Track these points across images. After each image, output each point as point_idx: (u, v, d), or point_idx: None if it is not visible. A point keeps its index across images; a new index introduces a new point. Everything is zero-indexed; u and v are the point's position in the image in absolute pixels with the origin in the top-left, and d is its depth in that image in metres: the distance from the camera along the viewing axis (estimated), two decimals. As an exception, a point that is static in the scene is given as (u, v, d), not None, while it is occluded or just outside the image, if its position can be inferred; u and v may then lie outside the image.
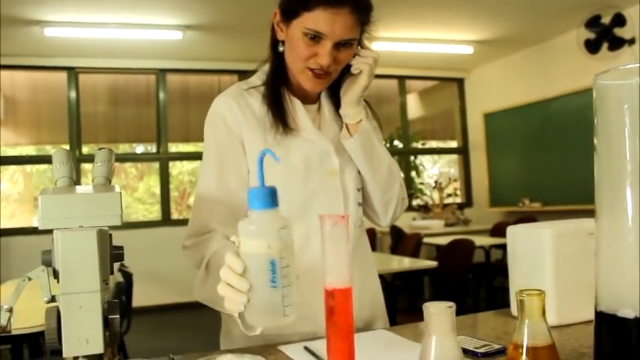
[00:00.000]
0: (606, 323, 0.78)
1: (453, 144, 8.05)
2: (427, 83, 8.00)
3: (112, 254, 0.83)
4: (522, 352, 0.72)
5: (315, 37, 1.09)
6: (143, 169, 7.89)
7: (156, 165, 6.77)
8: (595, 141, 0.80)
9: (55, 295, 0.78)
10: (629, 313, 0.74)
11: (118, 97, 6.57)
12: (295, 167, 1.16)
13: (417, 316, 1.34)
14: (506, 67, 6.98)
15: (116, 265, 0.83)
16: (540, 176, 6.27)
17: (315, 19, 1.07)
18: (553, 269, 1.08)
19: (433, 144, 8.21)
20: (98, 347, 0.74)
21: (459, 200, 7.70)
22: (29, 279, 0.79)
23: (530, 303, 0.73)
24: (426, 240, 5.39)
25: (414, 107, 8.02)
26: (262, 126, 1.17)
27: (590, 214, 1.28)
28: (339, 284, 0.62)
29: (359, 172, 1.24)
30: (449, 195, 7.58)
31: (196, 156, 7.09)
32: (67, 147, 6.22)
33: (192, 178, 7.51)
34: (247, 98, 1.19)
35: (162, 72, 6.49)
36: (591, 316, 1.04)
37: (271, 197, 0.74)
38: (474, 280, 5.13)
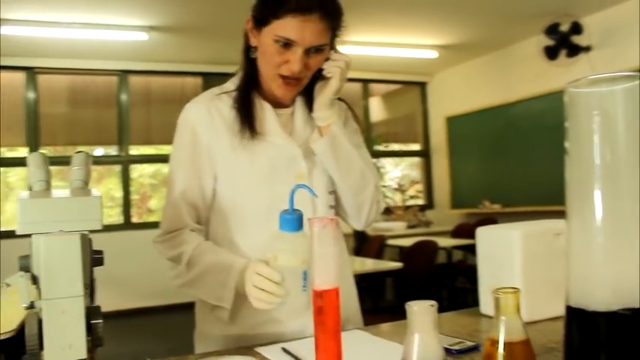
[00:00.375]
0: (576, 318, 0.81)
1: (416, 147, 8.17)
2: (390, 87, 8.09)
3: (92, 259, 0.83)
4: (499, 348, 0.74)
5: (286, 44, 1.11)
6: (102, 172, 7.73)
7: (116, 168, 6.65)
8: (566, 145, 0.84)
9: (34, 300, 0.78)
10: (597, 308, 0.78)
11: (77, 98, 6.43)
12: (261, 171, 1.18)
13: (382, 316, 1.37)
14: (468, 72, 7.12)
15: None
16: (500, 179, 6.42)
17: (285, 26, 1.09)
18: (522, 268, 1.12)
19: (396, 147, 8.30)
20: (81, 353, 0.73)
21: (420, 202, 7.81)
22: (7, 285, 0.78)
23: (506, 300, 0.75)
24: (389, 242, 5.46)
25: (377, 110, 8.10)
26: (231, 131, 1.19)
27: (550, 215, 1.33)
28: (328, 285, 0.64)
29: (330, 176, 1.25)
30: (411, 197, 7.69)
31: (158, 159, 7.01)
32: (26, 149, 6.07)
33: (154, 181, 7.40)
34: (217, 103, 1.21)
35: (124, 73, 6.39)
36: (558, 312, 1.08)
37: (301, 221, 0.94)
38: (436, 280, 5.22)
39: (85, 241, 0.78)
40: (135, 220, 6.66)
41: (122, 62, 6.27)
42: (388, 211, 7.14)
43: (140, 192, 7.16)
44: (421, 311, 0.68)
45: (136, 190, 7.01)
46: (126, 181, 6.50)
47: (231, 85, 1.25)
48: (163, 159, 7.08)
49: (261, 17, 1.13)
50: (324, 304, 0.64)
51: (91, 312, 0.76)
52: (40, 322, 0.73)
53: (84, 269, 0.75)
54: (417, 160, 8.25)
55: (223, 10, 4.91)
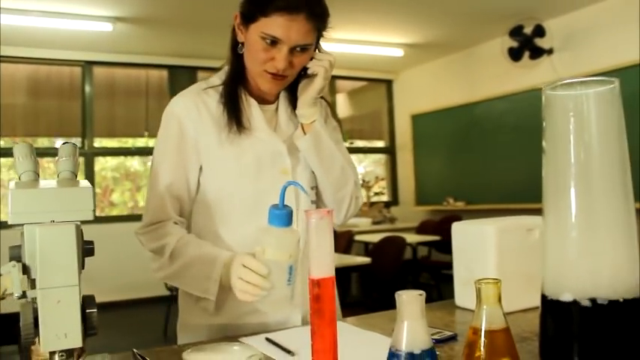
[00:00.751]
0: (551, 307, 0.86)
1: (380, 144, 8.26)
2: (356, 84, 8.16)
3: (83, 249, 0.83)
4: (481, 335, 0.78)
5: (272, 42, 1.13)
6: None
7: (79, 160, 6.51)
8: (543, 144, 0.89)
9: (25, 290, 0.78)
10: (571, 297, 0.83)
11: (39, 88, 6.28)
12: (247, 166, 1.20)
13: (349, 310, 1.40)
14: (433, 71, 7.24)
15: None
16: (464, 176, 6.56)
17: (272, 24, 1.11)
18: (496, 262, 1.17)
19: (360, 144, 8.38)
20: (77, 341, 0.74)
21: (385, 199, 7.91)
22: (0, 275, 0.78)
23: (487, 291, 0.79)
24: (355, 237, 5.51)
25: (343, 107, 8.16)
26: (218, 125, 1.20)
27: (512, 212, 1.39)
28: (324, 274, 0.67)
29: (313, 172, 1.28)
30: (376, 194, 7.78)
31: (121, 152, 6.90)
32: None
33: (117, 174, 7.29)
34: (204, 97, 1.22)
35: (88, 64, 6.26)
36: (531, 304, 1.15)
37: (291, 217, 0.94)
38: (401, 276, 5.30)
39: (79, 231, 0.79)
40: (97, 213, 6.54)
41: (86, 53, 6.15)
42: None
43: (102, 185, 7.04)
44: (410, 300, 0.72)
45: (98, 184, 6.88)
46: (90, 174, 6.38)
47: (218, 79, 1.26)
48: (127, 152, 6.98)
49: (249, 14, 1.14)
50: (320, 292, 0.67)
51: (86, 301, 0.77)
52: (35, 311, 0.74)
53: (77, 259, 0.76)
54: (381, 156, 8.34)
55: (190, 3, 4.87)
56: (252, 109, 1.24)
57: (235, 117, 1.20)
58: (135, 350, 1.01)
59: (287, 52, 1.13)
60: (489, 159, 6.15)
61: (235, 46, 1.22)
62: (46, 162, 7.21)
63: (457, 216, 6.10)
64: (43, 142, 6.66)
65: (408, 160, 7.48)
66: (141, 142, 6.91)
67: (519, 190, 5.58)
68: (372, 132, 8.44)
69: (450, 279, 1.31)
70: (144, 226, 1.21)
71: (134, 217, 6.21)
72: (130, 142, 6.99)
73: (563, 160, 0.85)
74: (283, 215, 0.93)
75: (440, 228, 6.11)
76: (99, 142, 6.58)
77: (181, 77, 6.73)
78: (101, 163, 6.98)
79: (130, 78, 6.74)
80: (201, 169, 1.22)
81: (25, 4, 4.68)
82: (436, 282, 5.76)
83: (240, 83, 1.23)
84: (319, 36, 1.20)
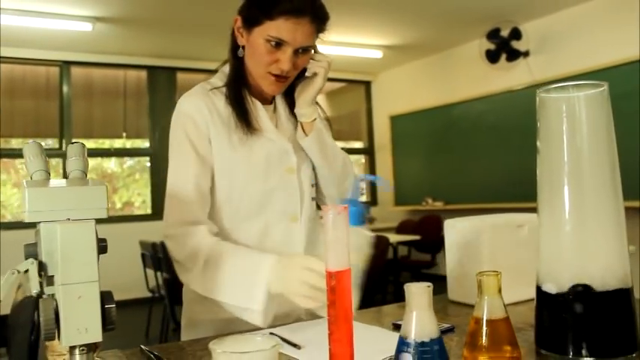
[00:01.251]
0: (546, 298, 0.91)
1: (359, 145, 8.32)
2: (335, 85, 8.20)
3: (98, 246, 0.85)
4: (483, 325, 0.83)
5: (277, 44, 1.16)
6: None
7: (53, 161, 6.44)
8: (538, 144, 0.93)
9: (42, 287, 0.80)
10: (565, 288, 0.88)
11: (15, 88, 6.19)
12: (257, 166, 1.23)
13: None
14: (412, 72, 7.33)
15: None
16: (443, 176, 6.65)
17: (278, 27, 1.14)
18: (489, 257, 1.22)
19: (339, 144, 8.37)
20: (97, 336, 0.76)
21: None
22: (18, 272, 0.80)
23: (488, 282, 0.84)
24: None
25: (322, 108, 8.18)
26: (227, 126, 1.23)
27: (490, 212, 1.44)
28: (341, 266, 0.70)
29: (313, 169, 1.32)
30: (355, 194, 7.82)
31: (99, 153, 6.83)
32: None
33: (93, 176, 7.21)
34: (212, 98, 1.24)
35: (66, 64, 6.20)
36: (522, 297, 1.20)
37: (363, 216, 0.92)
38: (382, 276, 5.36)
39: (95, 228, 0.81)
40: (75, 215, 6.46)
41: (64, 53, 6.08)
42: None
43: (79, 187, 6.96)
44: (418, 291, 0.76)
45: (76, 185, 6.79)
46: (66, 176, 6.30)
47: (219, 81, 1.28)
48: (105, 153, 6.92)
49: (253, 17, 1.17)
50: (336, 284, 0.70)
51: (104, 297, 0.79)
52: (55, 306, 0.76)
53: (97, 255, 0.78)
54: (360, 157, 8.40)
55: (171, 4, 4.87)
56: (257, 110, 1.27)
57: (245, 119, 1.23)
58: (143, 347, 1.03)
59: (291, 53, 1.17)
60: (467, 159, 6.25)
61: (235, 49, 1.25)
62: (18, 163, 7.12)
63: (436, 216, 6.18)
64: (18, 143, 6.56)
65: (387, 160, 7.55)
66: (118, 144, 6.86)
67: (497, 189, 5.69)
68: (350, 133, 8.49)
69: (430, 278, 1.35)
70: (171, 226, 1.19)
71: (111, 219, 6.15)
72: (107, 144, 6.94)
73: (556, 159, 0.90)
74: (354, 213, 0.89)
75: (419, 228, 6.20)
76: (76, 143, 6.50)
77: (160, 78, 6.71)
78: (79, 165, 6.90)
79: (108, 78, 6.68)
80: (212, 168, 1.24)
81: (3, 2, 4.62)
82: (416, 281, 5.81)
83: (242, 85, 1.26)
84: (317, 38, 1.24)
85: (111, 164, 7.16)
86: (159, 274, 4.53)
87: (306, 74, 1.26)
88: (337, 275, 0.70)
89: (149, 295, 4.81)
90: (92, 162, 7.02)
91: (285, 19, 1.14)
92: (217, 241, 1.16)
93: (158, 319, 4.72)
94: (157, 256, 4.36)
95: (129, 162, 7.29)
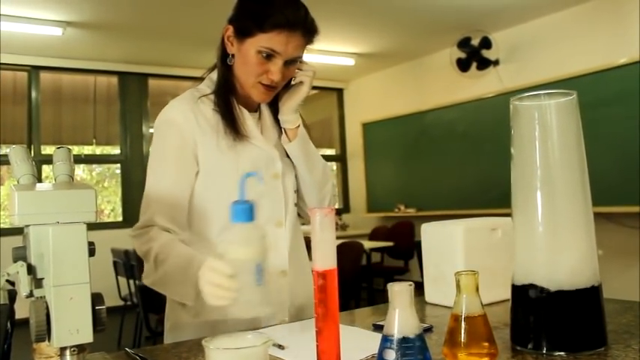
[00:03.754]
0: (521, 296, 0.96)
1: (331, 152, 8.36)
2: (307, 92, 8.22)
3: (88, 249, 0.86)
4: (461, 322, 0.87)
5: (269, 56, 1.19)
6: (2, 174, 7.31)
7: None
8: (512, 150, 0.98)
9: (32, 289, 0.81)
10: (538, 287, 0.93)
11: (-19, 93, 6.06)
12: (244, 171, 1.25)
13: None
14: (384, 80, 7.41)
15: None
16: (415, 183, 6.72)
17: (271, 39, 1.18)
18: (464, 259, 1.26)
19: (312, 151, 8.42)
20: (88, 336, 0.77)
21: (337, 206, 8.01)
22: (8, 274, 0.80)
23: (467, 281, 0.88)
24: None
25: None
26: (215, 132, 1.25)
27: (462, 218, 1.48)
28: (328, 266, 0.73)
29: (295, 176, 1.35)
30: (328, 201, 7.85)
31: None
32: None
33: (63, 182, 7.08)
34: (200, 105, 1.26)
35: (35, 69, 6.10)
36: (496, 297, 1.25)
37: (252, 212, 0.89)
38: (355, 282, 5.40)
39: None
40: (44, 222, 6.33)
41: (33, 58, 5.99)
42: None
43: (48, 194, 6.84)
44: (401, 290, 0.79)
45: (44, 192, 6.67)
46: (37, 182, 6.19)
47: (207, 88, 1.30)
48: (74, 160, 6.78)
49: (245, 28, 1.20)
50: (325, 283, 0.73)
51: (94, 298, 0.80)
52: (47, 308, 0.77)
53: (87, 257, 0.80)
54: (332, 164, 8.45)
55: (142, 10, 4.84)
56: (245, 117, 1.29)
57: (233, 126, 1.25)
58: (127, 349, 1.04)
59: (282, 64, 1.20)
60: (439, 166, 6.33)
61: (224, 57, 1.27)
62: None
63: (409, 222, 6.25)
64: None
65: (359, 167, 7.60)
66: (88, 150, 6.77)
67: (469, 196, 5.79)
68: (322, 140, 8.51)
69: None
70: (135, 228, 1.23)
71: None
72: (76, 150, 6.84)
73: (529, 164, 0.95)
74: (245, 210, 0.88)
75: (392, 234, 6.26)
76: (45, 150, 6.40)
77: (132, 84, 6.65)
78: (46, 172, 6.79)
79: (78, 84, 6.60)
80: (196, 174, 1.25)
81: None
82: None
83: (230, 93, 1.29)
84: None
85: (79, 171, 7.05)
86: (131, 281, 4.48)
87: (293, 82, 1.30)
88: (325, 274, 0.73)
89: (121, 303, 4.75)
90: (61, 168, 6.89)
91: (279, 32, 1.17)
92: (169, 239, 1.19)
93: (131, 327, 4.67)
94: (130, 264, 4.32)
95: (97, 169, 7.21)
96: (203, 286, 1.00)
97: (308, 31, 1.22)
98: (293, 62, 1.23)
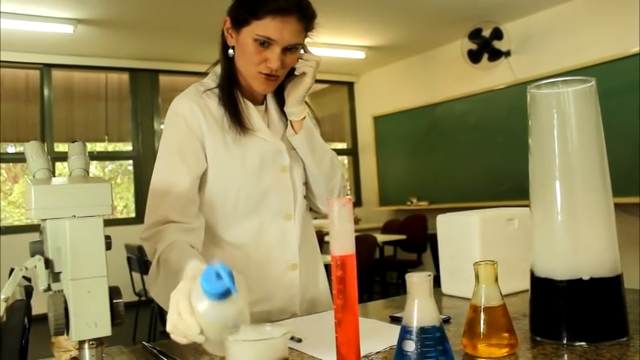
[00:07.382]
0: (540, 286, 0.95)
1: (342, 145, 8.35)
2: (317, 86, 8.22)
3: (105, 243, 0.86)
4: (481, 312, 0.86)
5: (265, 43, 1.18)
6: (16, 171, 7.37)
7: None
8: (529, 141, 0.97)
9: (50, 283, 0.81)
10: (558, 276, 0.91)
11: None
12: (251, 166, 1.25)
13: None
14: (394, 73, 7.38)
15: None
16: (427, 176, 6.69)
17: (265, 26, 1.17)
18: (480, 250, 1.25)
19: (323, 145, 8.42)
20: (106, 330, 0.78)
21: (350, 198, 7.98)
22: (26, 268, 0.81)
23: (486, 271, 0.87)
24: (325, 238, 5.58)
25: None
26: (220, 126, 1.24)
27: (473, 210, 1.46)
28: (346, 252, 0.73)
29: (304, 168, 1.34)
30: (339, 195, 7.85)
31: (83, 156, 6.76)
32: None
33: (76, 179, 7.13)
34: (206, 100, 1.26)
35: (47, 67, 6.14)
36: (513, 288, 1.23)
37: (229, 292, 0.73)
38: (368, 275, 5.40)
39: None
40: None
41: (45, 55, 6.02)
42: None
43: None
44: (420, 280, 0.78)
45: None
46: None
47: (211, 82, 1.30)
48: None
49: (241, 18, 1.20)
50: (343, 270, 0.73)
51: (112, 292, 0.80)
52: (65, 302, 0.77)
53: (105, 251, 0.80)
54: (344, 158, 8.44)
55: (153, 6, 4.85)
56: (250, 110, 1.28)
57: (238, 120, 1.25)
58: (145, 343, 1.04)
59: (279, 52, 1.19)
60: (451, 158, 6.30)
61: (225, 50, 1.27)
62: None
63: (421, 215, 6.23)
64: (-3, 148, 6.48)
65: (371, 161, 7.59)
66: (100, 147, 6.81)
67: (481, 188, 5.76)
68: (334, 134, 8.51)
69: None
70: (146, 229, 1.18)
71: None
72: (89, 147, 6.86)
73: (548, 153, 0.94)
74: (220, 290, 0.72)
75: (404, 227, 6.24)
76: (58, 147, 6.45)
77: (143, 80, 6.68)
78: (59, 169, 6.84)
79: (89, 81, 6.63)
80: (205, 169, 1.25)
81: (-17, 5, 4.58)
82: (403, 281, 5.86)
83: (234, 86, 1.28)
84: (305, 37, 1.26)
85: (92, 168, 7.09)
86: (145, 277, 4.51)
87: (295, 73, 1.28)
88: (344, 261, 0.73)
89: (136, 298, 4.78)
90: (74, 166, 6.94)
91: (272, 17, 1.16)
92: (174, 241, 1.12)
93: (145, 322, 4.70)
94: (144, 260, 4.34)
95: (110, 166, 7.25)
96: (169, 315, 0.83)
97: (303, 15, 1.20)
98: (292, 49, 1.22)
